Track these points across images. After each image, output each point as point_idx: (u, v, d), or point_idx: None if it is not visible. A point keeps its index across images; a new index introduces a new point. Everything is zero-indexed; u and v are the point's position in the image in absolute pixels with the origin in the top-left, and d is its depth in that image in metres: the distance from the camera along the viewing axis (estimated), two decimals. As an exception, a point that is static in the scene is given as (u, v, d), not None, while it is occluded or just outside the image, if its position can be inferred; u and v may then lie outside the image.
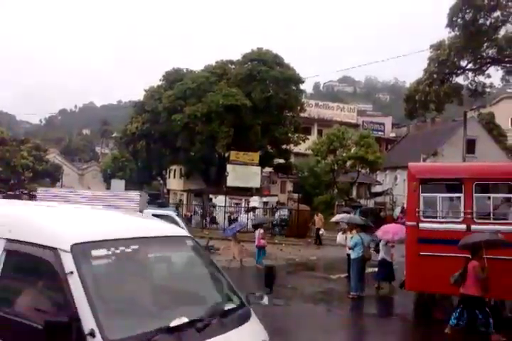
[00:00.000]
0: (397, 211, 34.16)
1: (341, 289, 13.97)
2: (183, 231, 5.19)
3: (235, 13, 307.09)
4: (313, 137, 46.32)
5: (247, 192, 34.91)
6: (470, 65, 29.66)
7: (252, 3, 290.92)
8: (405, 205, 34.59)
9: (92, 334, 3.28)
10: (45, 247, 3.73)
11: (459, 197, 10.05)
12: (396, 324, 10.80)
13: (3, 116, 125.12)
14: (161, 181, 54.17)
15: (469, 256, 8.86)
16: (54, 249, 3.67)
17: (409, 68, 74.19)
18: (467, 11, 26.39)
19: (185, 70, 42.86)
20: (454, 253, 9.66)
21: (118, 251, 4.00)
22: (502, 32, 25.30)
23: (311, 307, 11.96)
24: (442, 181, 10.46)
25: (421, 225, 10.12)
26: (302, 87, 40.96)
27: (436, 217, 10.32)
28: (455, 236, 9.78)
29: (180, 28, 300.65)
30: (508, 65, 27.75)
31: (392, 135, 58.76)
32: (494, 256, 8.82)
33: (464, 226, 9.78)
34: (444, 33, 30.46)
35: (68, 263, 3.56)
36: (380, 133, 54.68)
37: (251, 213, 30.38)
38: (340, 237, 16.59)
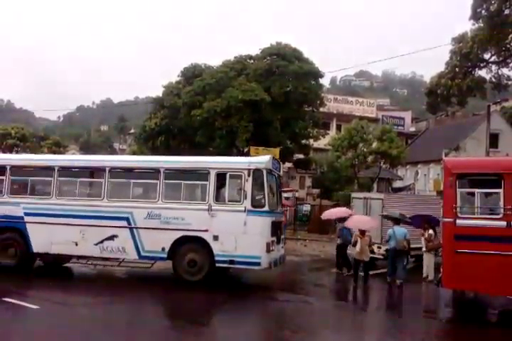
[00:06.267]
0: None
1: (369, 286, 13.71)
2: None
3: (251, 9, 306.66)
4: (331, 132, 45.92)
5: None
6: (494, 58, 29.14)
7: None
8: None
9: None
10: None
11: (498, 193, 9.74)
12: (428, 323, 10.50)
13: (22, 113, 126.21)
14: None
15: (508, 253, 8.56)
16: None
17: (427, 61, 73.32)
18: (492, 1, 25.84)
19: (203, 66, 42.49)
20: (493, 251, 9.43)
21: None
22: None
23: (342, 304, 11.79)
24: (480, 176, 10.08)
25: (458, 222, 9.82)
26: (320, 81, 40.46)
27: (474, 213, 10.02)
28: (494, 233, 9.54)
29: (197, 26, 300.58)
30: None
31: (412, 129, 58.01)
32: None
33: (503, 223, 9.46)
34: (464, 27, 29.92)
35: None
36: (399, 127, 53.86)
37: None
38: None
